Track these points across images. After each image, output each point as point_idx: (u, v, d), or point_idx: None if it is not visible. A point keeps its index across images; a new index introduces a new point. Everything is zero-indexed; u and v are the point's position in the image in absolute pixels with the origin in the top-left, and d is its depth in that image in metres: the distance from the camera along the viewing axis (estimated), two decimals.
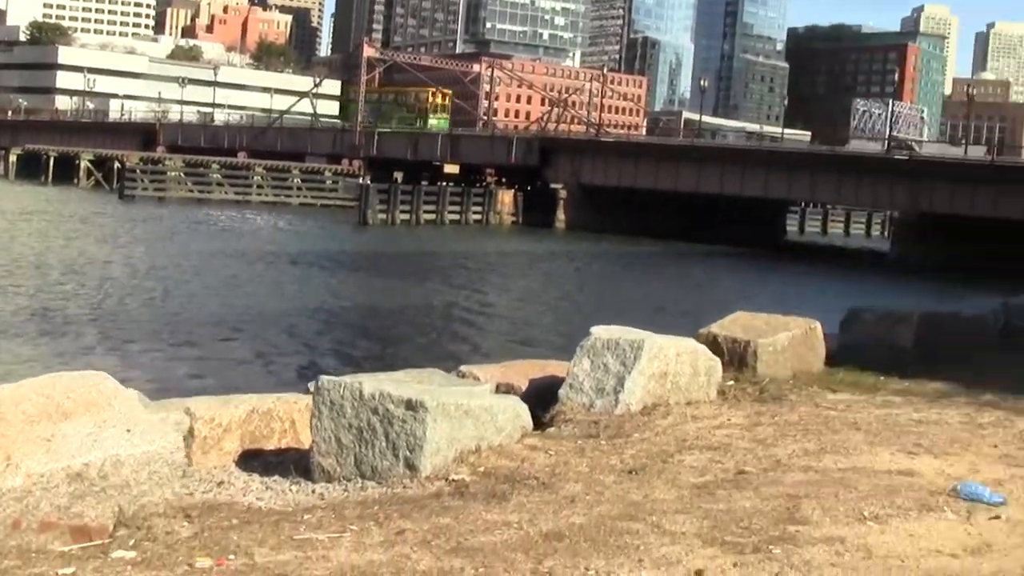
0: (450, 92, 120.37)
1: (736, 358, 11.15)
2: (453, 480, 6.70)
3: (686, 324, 12.61)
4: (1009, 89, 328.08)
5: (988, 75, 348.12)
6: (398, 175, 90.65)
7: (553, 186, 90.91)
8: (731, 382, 10.47)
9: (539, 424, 8.21)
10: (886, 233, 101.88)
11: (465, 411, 7.08)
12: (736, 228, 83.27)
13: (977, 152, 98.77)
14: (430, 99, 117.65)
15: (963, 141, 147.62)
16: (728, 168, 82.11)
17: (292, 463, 6.98)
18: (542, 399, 8.82)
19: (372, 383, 6.94)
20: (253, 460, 7.16)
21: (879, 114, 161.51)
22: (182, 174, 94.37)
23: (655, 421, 8.66)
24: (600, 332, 9.30)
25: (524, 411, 7.78)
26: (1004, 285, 54.34)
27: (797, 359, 11.63)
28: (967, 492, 6.63)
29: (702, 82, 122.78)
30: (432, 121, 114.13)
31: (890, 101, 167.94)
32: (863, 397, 10.37)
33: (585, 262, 64.89)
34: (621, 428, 8.34)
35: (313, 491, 6.65)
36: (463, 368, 9.58)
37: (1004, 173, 71.35)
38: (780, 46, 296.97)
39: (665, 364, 9.33)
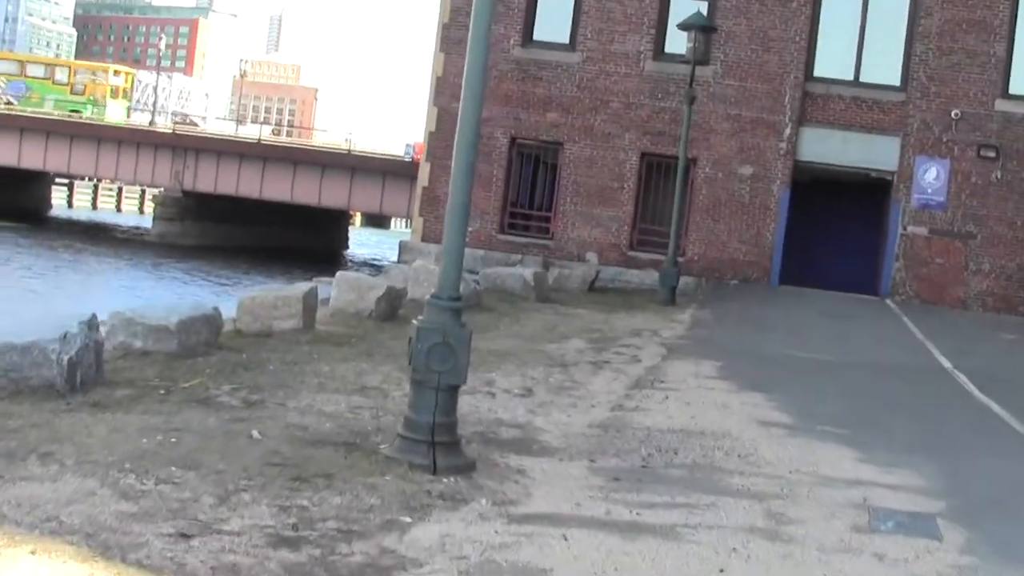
0: (133, 72, 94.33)
1: None
2: None
3: None
4: (300, 72, 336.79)
5: (280, 58, 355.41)
6: None
7: None
8: None
9: None
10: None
11: None
12: None
13: (255, 131, 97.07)
14: (109, 79, 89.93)
15: (244, 120, 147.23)
16: None
17: None
18: None
19: None
20: None
21: (163, 88, 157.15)
22: None
23: None
24: None
25: None
26: (272, 269, 52.49)
27: None
28: None
29: None
30: (111, 109, 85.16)
31: (172, 76, 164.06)
32: None
33: None
34: None
35: None
36: None
37: (271, 154, 69.69)
38: (68, 12, 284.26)
39: None
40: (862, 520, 7.01)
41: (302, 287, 13.72)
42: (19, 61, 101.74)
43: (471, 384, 10.05)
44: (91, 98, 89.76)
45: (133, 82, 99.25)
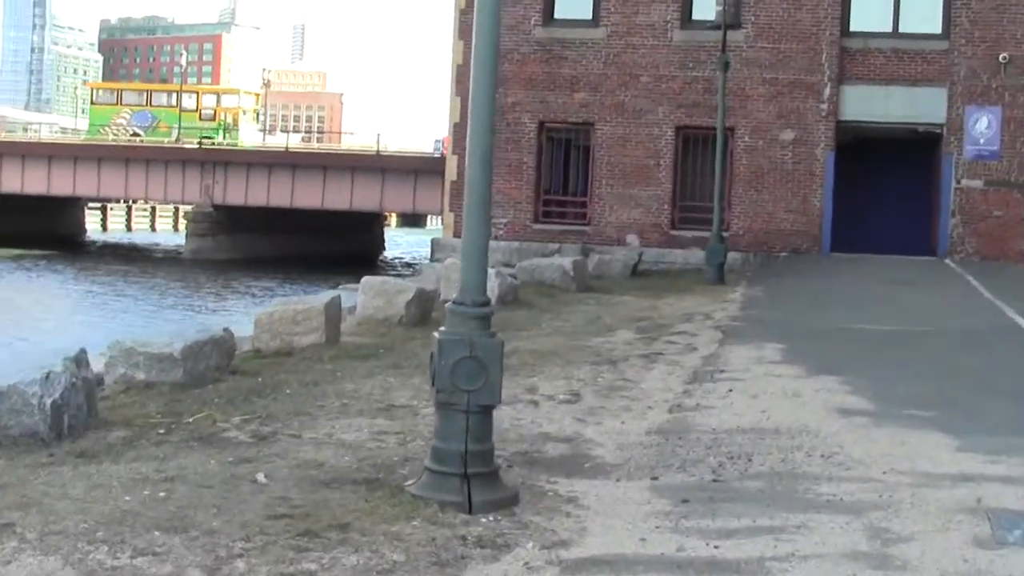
0: (259, 93, 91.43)
1: None
2: None
3: None
4: (326, 79, 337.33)
5: (305, 66, 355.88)
6: None
7: None
8: None
9: None
10: None
11: None
12: (28, 225, 74.79)
13: (292, 141, 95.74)
14: (239, 102, 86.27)
15: (277, 130, 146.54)
16: (9, 161, 73.38)
17: None
18: None
19: None
20: None
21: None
22: None
23: None
24: None
25: None
26: (310, 277, 51.59)
27: None
28: None
29: None
30: (245, 132, 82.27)
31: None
32: None
33: None
34: None
35: None
36: None
37: (300, 162, 68.89)
38: (93, 37, 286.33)
39: None
40: (983, 530, 5.84)
41: (323, 297, 12.66)
42: (144, 91, 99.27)
43: (511, 392, 8.99)
44: (222, 122, 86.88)
45: (259, 105, 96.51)
